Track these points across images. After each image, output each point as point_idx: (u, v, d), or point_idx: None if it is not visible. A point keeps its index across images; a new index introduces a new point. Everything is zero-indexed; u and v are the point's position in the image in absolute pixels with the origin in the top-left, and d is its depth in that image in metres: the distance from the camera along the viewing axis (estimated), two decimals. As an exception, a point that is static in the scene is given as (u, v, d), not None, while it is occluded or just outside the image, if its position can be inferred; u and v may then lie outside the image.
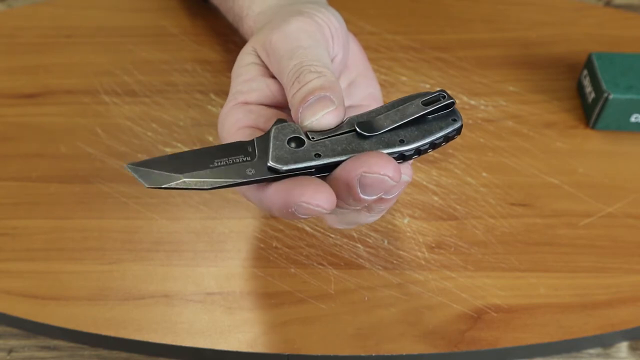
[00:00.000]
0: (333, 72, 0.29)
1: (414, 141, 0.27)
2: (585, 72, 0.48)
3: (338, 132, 0.27)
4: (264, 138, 0.27)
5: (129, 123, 0.47)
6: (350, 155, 0.26)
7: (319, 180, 0.26)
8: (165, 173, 0.26)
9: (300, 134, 0.27)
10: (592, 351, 0.37)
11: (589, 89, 0.47)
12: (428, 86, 0.50)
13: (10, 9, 0.59)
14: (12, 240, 0.40)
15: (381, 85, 0.50)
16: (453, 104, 0.28)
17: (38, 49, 0.53)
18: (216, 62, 0.52)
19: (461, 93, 0.49)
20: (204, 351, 0.35)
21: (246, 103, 0.31)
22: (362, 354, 0.35)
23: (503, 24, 0.56)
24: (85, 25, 0.55)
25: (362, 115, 0.28)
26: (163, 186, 0.26)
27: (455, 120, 0.28)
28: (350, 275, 0.38)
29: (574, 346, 0.37)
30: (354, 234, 0.40)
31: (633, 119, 0.45)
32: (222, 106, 0.32)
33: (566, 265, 0.39)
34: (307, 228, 0.40)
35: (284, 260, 0.39)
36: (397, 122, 0.27)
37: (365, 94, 0.34)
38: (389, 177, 0.25)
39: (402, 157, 0.27)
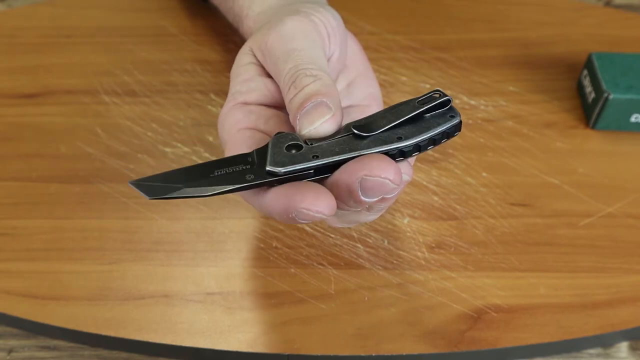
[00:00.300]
0: (329, 75, 0.29)
1: (412, 137, 0.27)
2: (585, 72, 0.48)
3: (336, 137, 0.27)
4: (263, 148, 0.27)
5: (129, 123, 0.47)
6: (349, 154, 0.26)
7: (319, 186, 0.26)
8: (166, 185, 0.26)
9: (299, 141, 0.27)
10: (592, 351, 0.37)
11: (589, 89, 0.47)
12: (428, 86, 0.50)
13: (10, 9, 0.59)
14: (12, 240, 0.40)
15: (381, 85, 0.50)
16: (449, 101, 0.28)
17: (38, 49, 0.53)
18: (216, 62, 0.52)
19: (461, 93, 0.49)
20: (204, 351, 0.35)
21: (245, 103, 0.31)
22: (362, 354, 0.35)
23: (503, 24, 0.56)
24: (85, 25, 0.55)
25: (359, 120, 0.28)
26: (165, 196, 0.26)
27: (453, 117, 0.28)
28: (350, 275, 0.38)
29: (574, 346, 0.37)
30: (354, 234, 0.40)
31: (633, 119, 0.45)
32: (222, 106, 0.32)
33: (566, 265, 0.39)
34: (307, 228, 0.40)
35: (284, 260, 0.39)
36: (393, 122, 0.27)
37: (365, 94, 0.34)
38: (390, 180, 0.25)
39: (401, 154, 0.27)
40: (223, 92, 0.49)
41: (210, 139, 0.46)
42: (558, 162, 0.44)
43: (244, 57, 0.33)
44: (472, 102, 0.49)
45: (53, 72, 0.51)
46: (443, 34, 0.55)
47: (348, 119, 0.29)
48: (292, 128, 0.28)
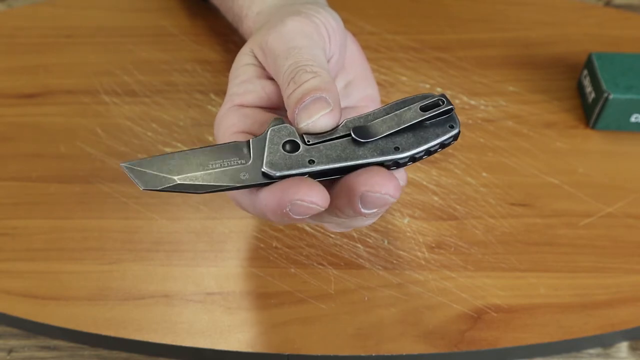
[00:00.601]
0: (329, 72, 0.29)
1: (409, 149, 0.27)
2: (585, 72, 0.48)
3: (334, 136, 0.27)
4: (260, 140, 0.27)
5: (129, 123, 0.47)
6: (345, 163, 0.26)
7: (312, 180, 0.26)
8: (160, 174, 0.26)
9: (296, 137, 0.27)
10: (592, 351, 0.37)
11: (589, 89, 0.47)
12: (428, 86, 0.50)
13: (10, 9, 0.59)
14: (12, 240, 0.40)
15: (381, 85, 0.50)
16: (452, 109, 0.28)
17: (38, 49, 0.53)
18: (216, 62, 0.52)
19: (461, 93, 0.49)
20: (204, 351, 0.35)
21: (242, 105, 0.31)
22: (362, 354, 0.35)
23: (503, 24, 0.56)
24: (85, 25, 0.55)
25: (359, 118, 0.28)
26: (158, 188, 0.26)
27: (452, 127, 0.27)
28: (350, 275, 0.38)
29: (574, 346, 0.37)
30: (354, 234, 0.40)
31: (633, 119, 0.45)
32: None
33: (566, 265, 0.39)
34: (307, 228, 0.40)
35: (284, 260, 0.39)
36: (393, 129, 0.27)
37: (362, 95, 0.34)
38: (390, 195, 0.26)
39: (396, 164, 0.27)
40: (223, 92, 0.49)
41: (210, 138, 0.46)
42: (558, 162, 0.44)
43: (243, 58, 0.33)
44: (472, 102, 0.49)
45: (53, 72, 0.51)
46: (443, 34, 0.55)
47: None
48: None
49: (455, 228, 0.41)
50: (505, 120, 0.47)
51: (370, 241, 0.40)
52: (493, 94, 0.49)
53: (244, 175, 0.26)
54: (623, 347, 0.37)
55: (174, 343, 0.35)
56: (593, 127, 0.47)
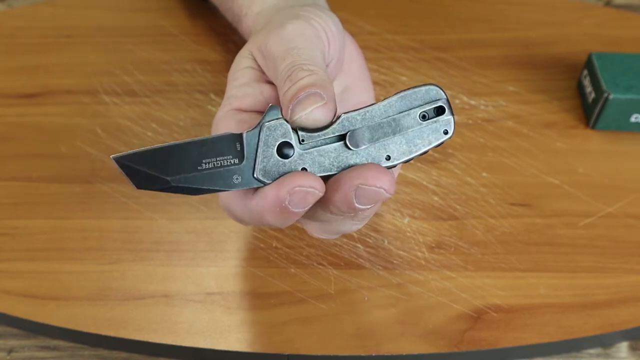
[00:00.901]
0: (326, 72, 0.29)
1: (399, 157, 0.27)
2: (585, 72, 0.48)
3: (329, 136, 0.27)
4: (254, 135, 0.27)
5: (129, 123, 0.47)
6: (336, 171, 0.27)
7: (304, 171, 0.27)
8: (153, 174, 0.26)
9: (291, 138, 0.27)
10: (592, 351, 0.37)
11: (589, 89, 0.47)
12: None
13: (10, 9, 0.59)
14: (12, 240, 0.40)
15: (381, 85, 0.50)
16: (452, 120, 0.27)
17: (38, 49, 0.53)
18: (216, 62, 0.52)
19: (461, 93, 0.49)
20: (204, 351, 0.35)
21: (240, 109, 0.31)
22: (362, 354, 0.35)
23: (503, 24, 0.56)
24: (85, 25, 0.55)
25: (356, 114, 0.27)
26: (151, 189, 0.26)
27: (446, 132, 0.27)
28: (350, 275, 0.38)
29: (574, 346, 0.37)
30: (354, 234, 0.40)
31: (633, 119, 0.45)
32: (221, 106, 0.32)
33: (566, 265, 0.39)
34: (307, 228, 0.40)
35: (284, 260, 0.39)
36: (389, 135, 0.27)
37: (357, 101, 0.34)
38: (384, 189, 0.26)
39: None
40: (223, 92, 0.49)
41: (210, 139, 0.46)
42: (558, 162, 0.44)
43: (242, 61, 0.33)
44: (472, 102, 0.49)
45: (53, 72, 0.51)
46: (443, 34, 0.55)
47: None
48: None
49: (455, 228, 0.41)
50: (505, 120, 0.47)
51: (370, 241, 0.40)
52: (493, 94, 0.49)
53: (237, 179, 0.27)
54: (623, 347, 0.37)
55: (174, 343, 0.35)
56: (593, 127, 0.47)
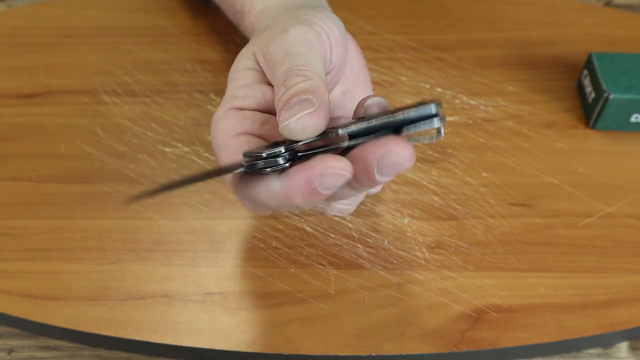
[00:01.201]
0: (321, 77, 0.29)
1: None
2: (585, 72, 0.48)
3: (320, 150, 0.27)
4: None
5: (129, 123, 0.47)
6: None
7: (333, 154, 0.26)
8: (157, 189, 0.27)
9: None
10: (592, 351, 0.37)
11: (589, 89, 0.47)
12: (428, 86, 0.50)
13: (10, 9, 0.59)
14: (12, 240, 0.40)
15: (381, 85, 0.50)
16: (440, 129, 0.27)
17: (38, 49, 0.53)
18: (216, 62, 0.52)
19: (461, 93, 0.49)
20: (204, 351, 0.35)
21: (240, 109, 0.31)
22: (362, 354, 0.35)
23: (503, 24, 0.56)
24: (85, 25, 0.56)
25: (355, 128, 0.26)
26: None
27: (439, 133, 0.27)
28: (350, 275, 0.38)
29: (574, 346, 0.37)
30: (354, 234, 0.40)
31: (633, 119, 0.45)
32: (221, 106, 0.32)
33: (566, 265, 0.39)
34: (307, 228, 0.40)
35: (284, 260, 0.39)
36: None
37: (355, 105, 0.34)
38: (407, 158, 0.25)
39: None
40: (223, 92, 0.48)
41: (210, 139, 0.46)
42: (558, 162, 0.44)
43: (244, 61, 0.32)
44: (472, 102, 0.49)
45: (53, 72, 0.51)
46: (443, 34, 0.55)
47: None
48: None
49: (455, 228, 0.41)
50: (505, 120, 0.47)
51: (370, 241, 0.40)
52: (493, 94, 0.49)
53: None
54: (623, 347, 0.37)
55: (174, 343, 0.35)
56: (593, 127, 0.47)
